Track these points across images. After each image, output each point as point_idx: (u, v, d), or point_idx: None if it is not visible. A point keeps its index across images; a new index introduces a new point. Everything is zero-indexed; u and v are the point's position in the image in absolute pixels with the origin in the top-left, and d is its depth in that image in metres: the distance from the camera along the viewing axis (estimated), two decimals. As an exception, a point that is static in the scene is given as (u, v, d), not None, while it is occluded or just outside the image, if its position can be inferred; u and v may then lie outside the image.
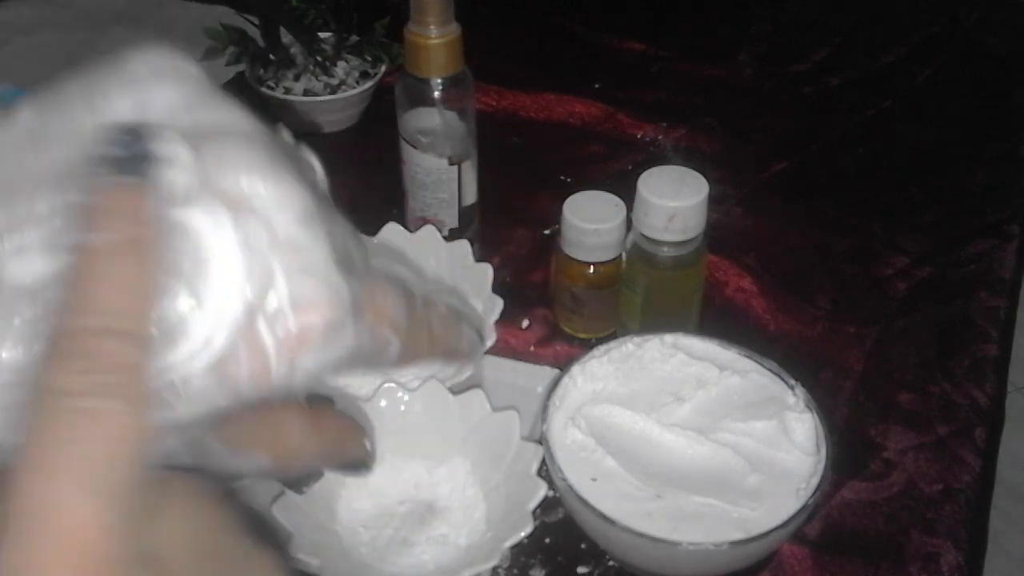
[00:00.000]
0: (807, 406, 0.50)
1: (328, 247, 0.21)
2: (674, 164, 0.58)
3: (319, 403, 0.26)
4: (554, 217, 0.61)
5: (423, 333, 0.25)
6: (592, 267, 0.61)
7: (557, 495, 0.49)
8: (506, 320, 0.59)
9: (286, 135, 0.23)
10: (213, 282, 0.19)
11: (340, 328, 0.21)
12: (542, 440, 0.49)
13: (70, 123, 0.20)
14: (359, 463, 0.28)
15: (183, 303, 0.19)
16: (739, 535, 0.45)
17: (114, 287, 0.19)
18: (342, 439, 0.27)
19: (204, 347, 0.19)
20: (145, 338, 0.19)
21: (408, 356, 0.25)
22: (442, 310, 0.26)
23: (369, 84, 0.84)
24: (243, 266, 0.20)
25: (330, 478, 0.51)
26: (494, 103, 0.90)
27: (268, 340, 0.20)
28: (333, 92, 0.84)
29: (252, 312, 0.20)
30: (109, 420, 0.18)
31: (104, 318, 0.19)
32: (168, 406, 0.20)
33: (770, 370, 0.52)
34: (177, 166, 0.19)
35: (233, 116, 0.21)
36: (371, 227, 0.61)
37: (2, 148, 0.20)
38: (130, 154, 0.19)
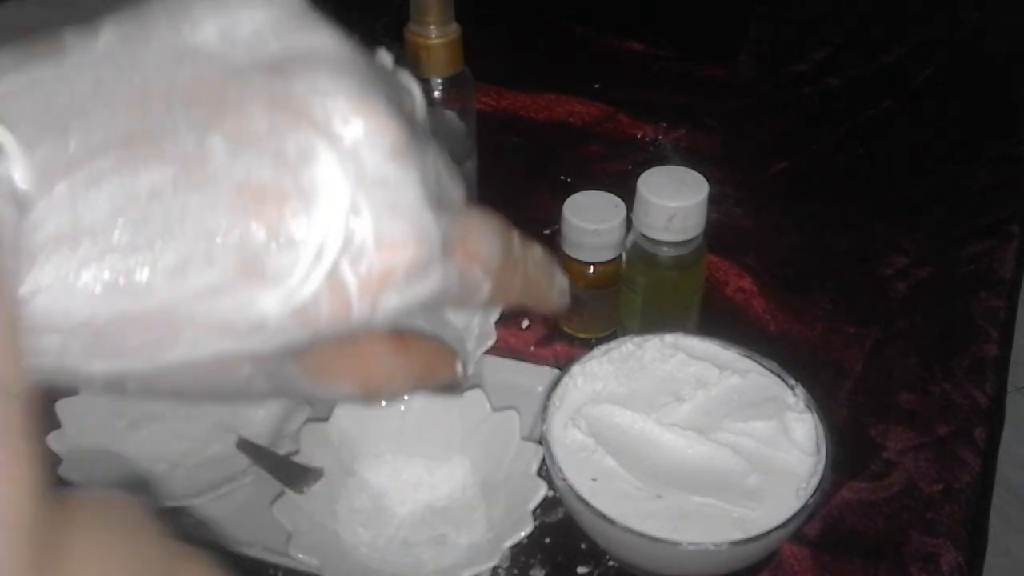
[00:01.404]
0: (807, 406, 0.50)
1: (419, 184, 0.19)
2: (674, 164, 0.58)
3: (406, 327, 0.24)
4: (554, 217, 0.61)
5: (517, 276, 0.24)
6: (592, 267, 0.61)
7: (557, 495, 0.49)
8: (506, 320, 0.59)
9: (385, 59, 0.22)
10: (314, 218, 0.18)
11: (426, 269, 0.20)
12: (542, 440, 0.49)
13: (154, 48, 0.19)
14: (451, 385, 0.26)
15: (287, 233, 0.18)
16: (739, 535, 0.45)
17: None
18: (432, 362, 0.25)
19: (299, 286, 0.18)
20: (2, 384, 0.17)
21: (499, 298, 0.23)
22: (538, 254, 0.25)
23: (369, 84, 0.84)
24: (344, 202, 0.18)
25: (330, 478, 0.51)
26: (494, 103, 0.90)
27: (351, 279, 0.19)
28: (333, 92, 0.83)
29: (341, 250, 0.18)
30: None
31: None
32: (242, 339, 0.19)
33: (770, 370, 0.52)
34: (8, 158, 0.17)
35: (325, 40, 0.20)
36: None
37: (80, 69, 0.19)
38: None
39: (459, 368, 0.26)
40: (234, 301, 0.18)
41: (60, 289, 0.17)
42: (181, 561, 0.20)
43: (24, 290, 0.17)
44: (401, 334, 0.24)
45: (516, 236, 0.24)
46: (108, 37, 0.19)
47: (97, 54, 0.19)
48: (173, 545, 0.20)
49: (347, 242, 0.19)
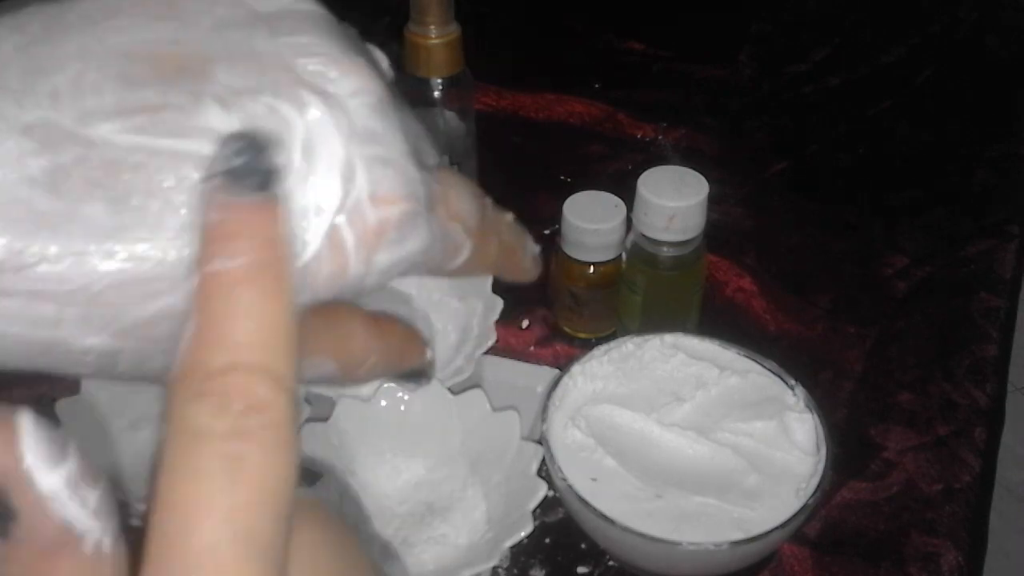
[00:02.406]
0: (807, 406, 0.50)
1: (405, 139, 0.20)
2: (674, 164, 0.58)
3: (380, 312, 0.24)
4: (554, 217, 0.61)
5: (492, 238, 0.24)
6: (592, 267, 0.61)
7: (557, 495, 0.49)
8: (506, 320, 0.59)
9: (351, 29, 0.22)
10: (313, 174, 0.18)
11: (416, 222, 0.20)
12: (542, 440, 0.49)
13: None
14: (419, 372, 0.26)
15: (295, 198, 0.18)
16: (739, 535, 0.45)
17: (243, 319, 0.17)
18: (404, 347, 0.25)
19: (301, 246, 0.18)
20: (281, 375, 0.17)
21: (476, 262, 0.23)
22: (509, 219, 0.25)
23: (369, 84, 0.84)
24: (339, 157, 0.18)
25: (330, 478, 0.51)
26: (494, 103, 0.90)
27: (348, 236, 0.19)
28: (333, 92, 0.83)
29: (339, 207, 0.18)
30: (252, 468, 0.16)
31: (235, 354, 0.17)
32: None
33: (770, 370, 0.52)
34: (293, 174, 0.18)
35: (306, 2, 0.20)
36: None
37: (66, 31, 0.18)
38: (254, 168, 0.17)
39: (428, 354, 0.26)
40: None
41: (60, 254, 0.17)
42: (375, 562, 0.21)
43: (28, 256, 0.17)
44: (376, 316, 0.24)
45: (489, 201, 0.24)
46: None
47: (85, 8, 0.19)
48: (360, 544, 0.21)
49: (345, 197, 0.18)
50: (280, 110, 0.18)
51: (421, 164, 0.20)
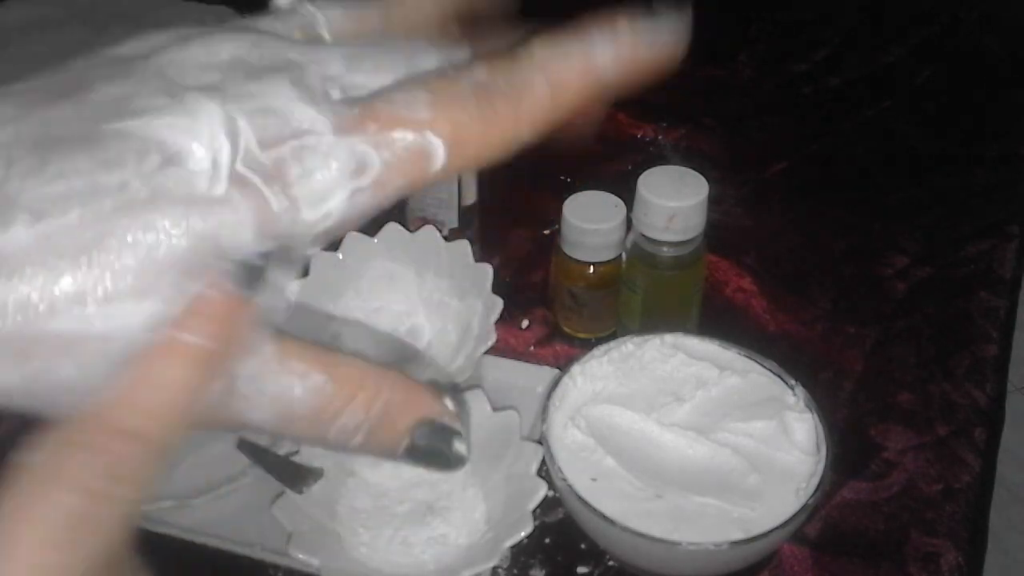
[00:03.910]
0: (807, 406, 0.50)
1: (289, 86, 0.20)
2: (674, 164, 0.58)
3: (361, 354, 0.22)
4: (554, 217, 0.61)
5: (469, 109, 0.21)
6: (592, 267, 0.61)
7: (557, 495, 0.49)
8: (506, 320, 0.59)
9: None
10: (204, 139, 0.19)
11: (326, 153, 0.20)
12: (542, 440, 0.49)
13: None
14: (439, 448, 0.21)
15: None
16: (739, 535, 0.45)
17: (159, 390, 0.18)
18: (402, 403, 0.21)
19: (208, 191, 0.19)
20: (160, 450, 0.18)
21: (463, 155, 0.22)
22: (482, 77, 0.21)
23: (369, 84, 0.84)
24: (217, 115, 0.20)
25: (330, 478, 0.51)
26: (494, 103, 0.90)
27: (252, 176, 0.20)
28: (333, 92, 0.83)
29: (231, 156, 0.20)
30: (83, 526, 0.18)
31: (130, 419, 0.18)
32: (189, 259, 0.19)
33: (770, 370, 0.52)
34: (272, 289, 0.20)
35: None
36: (371, 227, 0.61)
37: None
38: (249, 268, 0.19)
39: (447, 411, 0.22)
40: (151, 220, 0.19)
41: None
42: None
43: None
44: (350, 361, 0.21)
45: (481, 71, 0.21)
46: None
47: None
48: None
49: (234, 149, 0.20)
50: (174, 115, 0.19)
51: (337, 95, 0.21)
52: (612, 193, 0.60)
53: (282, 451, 0.52)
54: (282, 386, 0.20)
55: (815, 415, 0.50)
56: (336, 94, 0.21)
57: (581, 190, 0.61)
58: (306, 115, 0.20)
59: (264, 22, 0.23)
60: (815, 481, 0.47)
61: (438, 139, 0.21)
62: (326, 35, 0.24)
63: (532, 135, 0.22)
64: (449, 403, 0.22)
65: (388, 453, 0.21)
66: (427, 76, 0.21)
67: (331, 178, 0.20)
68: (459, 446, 0.21)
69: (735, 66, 0.98)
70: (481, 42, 0.25)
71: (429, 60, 0.22)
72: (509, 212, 0.75)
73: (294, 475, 0.50)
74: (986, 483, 0.57)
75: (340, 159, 0.20)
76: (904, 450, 0.58)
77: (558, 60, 0.22)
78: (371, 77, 0.22)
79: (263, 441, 0.54)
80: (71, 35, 0.98)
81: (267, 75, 0.21)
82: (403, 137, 0.21)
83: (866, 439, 0.59)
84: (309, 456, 0.51)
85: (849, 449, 0.57)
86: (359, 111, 0.20)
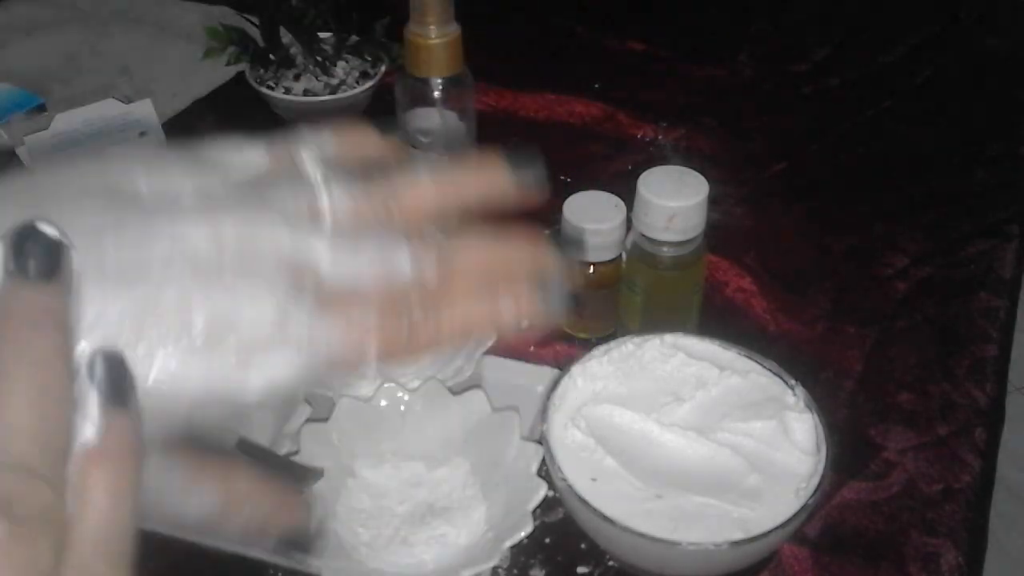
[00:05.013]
0: (807, 406, 0.50)
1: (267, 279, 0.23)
2: (674, 164, 0.58)
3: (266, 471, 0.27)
4: (554, 217, 0.61)
5: (402, 319, 0.26)
6: (592, 267, 0.61)
7: (557, 495, 0.49)
8: (506, 320, 0.59)
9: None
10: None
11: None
12: (542, 440, 0.49)
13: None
14: (299, 540, 0.28)
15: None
16: (739, 535, 0.45)
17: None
18: (284, 504, 0.28)
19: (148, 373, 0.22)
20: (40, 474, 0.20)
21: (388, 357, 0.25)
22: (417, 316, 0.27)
23: (369, 84, 0.84)
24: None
25: (330, 478, 0.51)
26: (494, 103, 0.90)
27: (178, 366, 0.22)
28: (333, 92, 0.84)
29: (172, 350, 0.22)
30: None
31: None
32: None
33: (770, 370, 0.52)
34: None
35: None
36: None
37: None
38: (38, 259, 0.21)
39: (308, 524, 0.28)
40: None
41: None
42: None
43: None
44: (262, 475, 0.27)
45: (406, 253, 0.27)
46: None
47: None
48: None
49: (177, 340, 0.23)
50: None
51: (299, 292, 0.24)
52: (612, 193, 0.60)
53: (282, 451, 0.52)
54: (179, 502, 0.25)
55: (815, 415, 0.50)
56: (311, 285, 0.24)
57: (581, 190, 0.61)
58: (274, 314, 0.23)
59: (279, 191, 0.25)
60: (815, 481, 0.47)
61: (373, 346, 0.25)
62: (327, 216, 0.26)
63: (448, 344, 0.27)
64: (309, 522, 0.28)
65: (258, 544, 0.28)
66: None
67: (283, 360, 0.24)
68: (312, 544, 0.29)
69: (735, 66, 0.98)
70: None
71: (403, 261, 0.27)
72: (509, 212, 0.74)
73: (294, 475, 0.50)
74: (986, 483, 0.57)
75: (287, 341, 0.24)
76: (904, 450, 0.58)
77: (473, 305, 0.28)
78: (347, 269, 0.25)
79: (263, 441, 0.54)
80: (72, 35, 0.99)
81: (252, 275, 0.23)
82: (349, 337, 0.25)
83: (866, 439, 0.59)
84: (309, 456, 0.51)
85: (849, 449, 0.57)
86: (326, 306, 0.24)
